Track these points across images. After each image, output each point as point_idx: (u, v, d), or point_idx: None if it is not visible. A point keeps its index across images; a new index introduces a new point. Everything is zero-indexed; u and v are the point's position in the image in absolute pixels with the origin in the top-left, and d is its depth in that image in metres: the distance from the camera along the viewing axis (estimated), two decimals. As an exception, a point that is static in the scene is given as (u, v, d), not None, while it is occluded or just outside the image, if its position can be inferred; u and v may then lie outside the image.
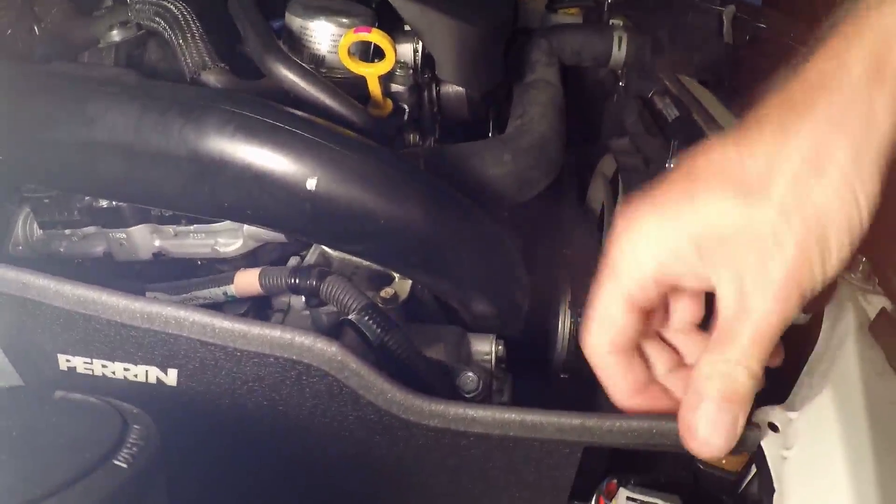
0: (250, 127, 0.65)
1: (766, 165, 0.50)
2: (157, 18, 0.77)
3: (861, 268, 0.71)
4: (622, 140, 1.09)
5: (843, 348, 0.63)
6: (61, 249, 0.83)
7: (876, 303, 0.67)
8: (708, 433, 0.52)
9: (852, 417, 0.56)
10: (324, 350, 0.59)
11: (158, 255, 0.81)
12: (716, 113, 0.92)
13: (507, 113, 0.93)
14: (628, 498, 0.61)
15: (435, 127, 0.90)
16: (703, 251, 0.51)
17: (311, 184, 0.64)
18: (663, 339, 0.62)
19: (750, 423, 0.59)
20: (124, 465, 0.49)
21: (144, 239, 0.81)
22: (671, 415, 0.56)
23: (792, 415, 0.60)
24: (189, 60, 0.75)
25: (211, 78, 0.75)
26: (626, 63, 1.09)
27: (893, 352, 0.61)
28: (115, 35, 0.78)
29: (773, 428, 0.59)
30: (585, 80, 1.15)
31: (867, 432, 0.54)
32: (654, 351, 0.61)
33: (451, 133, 0.94)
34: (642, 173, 0.96)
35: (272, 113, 0.66)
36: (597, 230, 0.97)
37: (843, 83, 0.50)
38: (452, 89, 0.89)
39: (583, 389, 0.75)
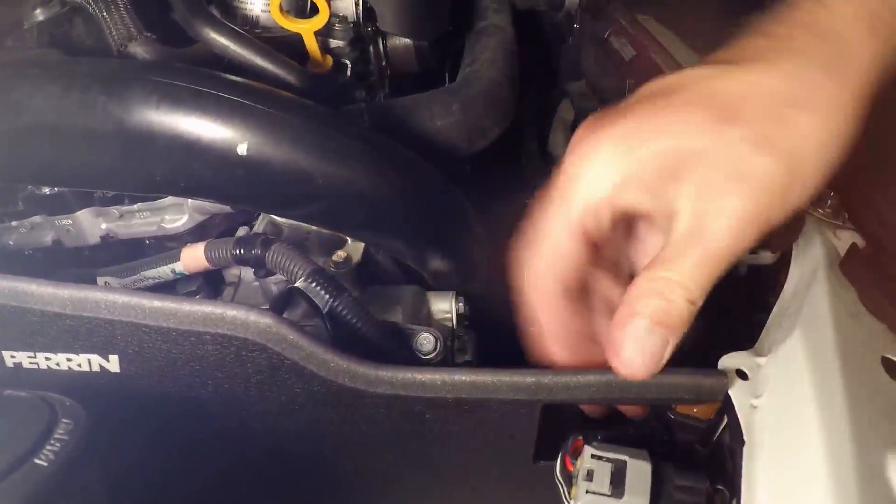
0: (174, 95, 0.62)
1: (746, 91, 0.48)
2: (78, -8, 0.74)
3: (829, 202, 0.68)
4: (579, 83, 1.05)
5: (813, 288, 0.60)
6: (10, 242, 0.80)
7: (846, 238, 0.65)
8: (633, 354, 0.48)
9: (823, 362, 0.53)
10: (258, 322, 0.57)
11: (106, 238, 0.79)
12: (675, 51, 0.88)
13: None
14: (593, 455, 0.58)
15: (384, 81, 0.86)
16: (665, 170, 0.48)
17: (241, 149, 0.61)
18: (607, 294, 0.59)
19: (716, 371, 0.56)
20: (44, 464, 0.48)
21: (90, 223, 0.78)
22: None
23: (761, 360, 0.57)
24: (114, 33, 0.72)
25: (138, 49, 0.72)
26: (581, 4, 1.05)
27: (866, 290, 0.59)
28: (39, 14, 0.75)
29: (742, 375, 0.56)
30: (542, 23, 1.12)
31: (839, 377, 0.51)
32: (599, 304, 0.57)
33: (405, 86, 0.90)
34: (600, 116, 0.93)
35: (197, 79, 0.63)
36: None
37: (832, 26, 0.50)
38: (399, 41, 0.85)
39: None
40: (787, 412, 0.52)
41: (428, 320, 0.75)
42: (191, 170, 0.63)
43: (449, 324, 0.75)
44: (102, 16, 0.73)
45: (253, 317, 0.57)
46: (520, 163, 0.96)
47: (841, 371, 0.52)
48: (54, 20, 0.75)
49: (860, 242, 0.64)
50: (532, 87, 0.93)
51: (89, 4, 0.73)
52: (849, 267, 0.61)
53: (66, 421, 0.52)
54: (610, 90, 0.95)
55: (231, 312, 0.57)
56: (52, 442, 0.49)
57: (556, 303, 0.54)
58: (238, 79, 0.65)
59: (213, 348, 0.59)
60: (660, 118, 0.49)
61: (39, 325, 0.60)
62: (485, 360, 0.76)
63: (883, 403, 0.51)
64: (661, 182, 0.48)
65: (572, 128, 0.97)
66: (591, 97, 0.99)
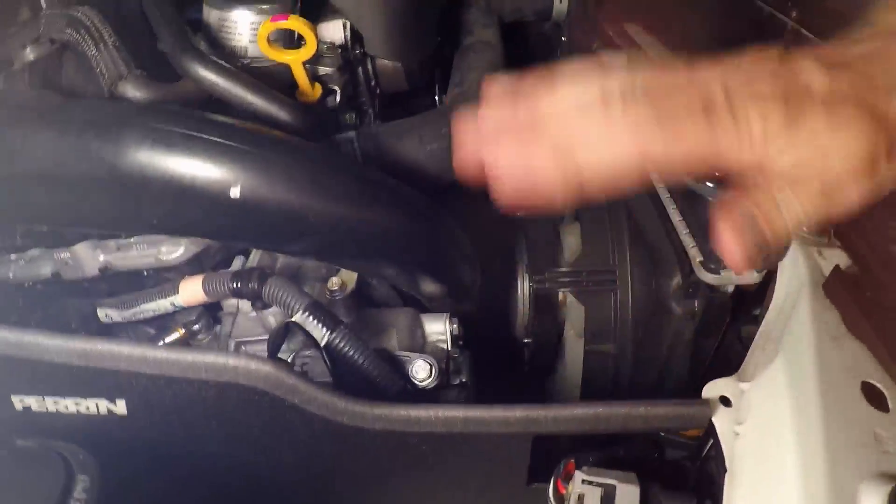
0: (167, 140, 0.63)
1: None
2: (68, 30, 0.74)
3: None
4: None
5: (796, 311, 0.60)
6: (10, 275, 0.81)
7: (831, 258, 0.64)
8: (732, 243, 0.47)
9: (803, 388, 0.54)
10: (259, 370, 0.59)
11: (105, 270, 0.80)
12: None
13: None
14: (583, 480, 0.60)
15: (374, 102, 0.87)
16: None
17: (234, 192, 0.62)
18: None
19: (700, 400, 0.57)
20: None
21: (88, 255, 0.79)
22: (615, 402, 0.55)
23: (744, 386, 0.58)
24: (105, 71, 0.72)
25: (128, 88, 0.72)
26: (569, 15, 1.05)
27: (849, 313, 0.59)
28: (29, 53, 0.75)
29: (725, 402, 0.57)
30: (529, 35, 1.11)
31: (818, 405, 0.52)
32: None
33: (396, 103, 0.91)
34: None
35: (188, 123, 0.64)
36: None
37: None
38: (389, 62, 0.86)
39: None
40: (767, 440, 0.53)
41: (423, 343, 0.76)
42: (185, 212, 0.65)
43: (443, 345, 0.76)
44: (92, 54, 0.73)
45: (253, 365, 0.58)
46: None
47: (820, 399, 0.52)
48: (45, 60, 0.76)
49: (844, 263, 0.64)
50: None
51: (79, 43, 0.74)
52: (832, 289, 0.61)
53: (83, 478, 0.54)
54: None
55: (233, 362, 0.58)
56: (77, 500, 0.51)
57: None
58: (229, 120, 0.66)
59: (216, 393, 0.60)
60: None
61: (47, 372, 0.62)
62: (479, 376, 0.77)
63: (859, 432, 0.52)
64: None
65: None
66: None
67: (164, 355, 0.59)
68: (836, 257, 0.65)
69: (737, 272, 0.51)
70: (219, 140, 0.63)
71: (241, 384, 0.59)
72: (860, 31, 0.51)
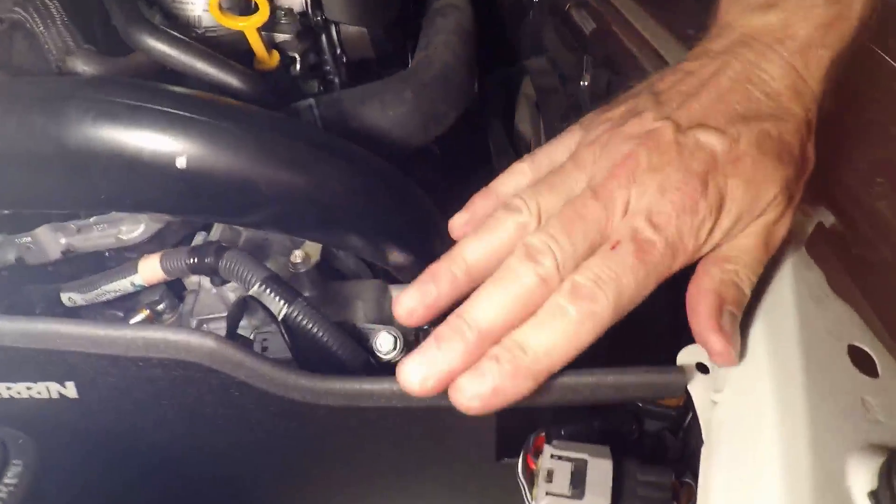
0: (110, 112, 0.61)
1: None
2: (16, 8, 0.72)
3: None
4: (539, 59, 1.01)
5: (777, 271, 0.57)
6: (-27, 262, 0.80)
7: (814, 216, 0.61)
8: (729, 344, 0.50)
9: (785, 353, 0.50)
10: (201, 345, 0.56)
11: (67, 253, 0.78)
12: (637, 23, 0.84)
13: (423, 43, 0.87)
14: (552, 455, 0.57)
15: (340, 70, 0.84)
16: None
17: (180, 162, 0.60)
18: None
19: (675, 367, 0.54)
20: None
21: (49, 239, 0.77)
22: (581, 370, 0.52)
23: None
24: (52, 47, 0.70)
25: (77, 63, 0.70)
26: (541, -25, 1.01)
27: (834, 273, 0.56)
28: (-23, 33, 0.73)
29: (703, 369, 0.53)
30: (502, -4, 1.08)
31: (801, 370, 0.49)
32: None
33: (365, 72, 0.88)
34: (559, 93, 0.89)
35: (131, 93, 0.62)
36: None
37: None
38: (353, 29, 0.83)
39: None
40: (746, 409, 0.50)
41: (391, 315, 0.73)
42: (133, 186, 0.62)
43: (413, 318, 0.73)
44: (40, 31, 0.71)
45: (195, 340, 0.56)
46: (486, 140, 0.93)
47: (803, 364, 0.49)
48: (-6, 38, 0.74)
49: (827, 220, 0.61)
50: (494, 65, 0.90)
51: (27, 20, 0.72)
52: (815, 247, 0.58)
53: (16, 462, 0.52)
54: (570, 65, 0.92)
55: (172, 337, 0.56)
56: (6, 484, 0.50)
57: None
58: (175, 88, 0.64)
59: (161, 371, 0.58)
60: None
61: (-1, 358, 0.60)
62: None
63: (846, 399, 0.48)
64: None
65: (536, 105, 0.94)
66: (552, 73, 0.95)
67: (103, 332, 0.57)
68: (819, 214, 0.61)
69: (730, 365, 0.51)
70: (162, 109, 0.61)
71: (184, 360, 0.57)
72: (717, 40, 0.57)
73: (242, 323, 0.72)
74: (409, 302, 0.49)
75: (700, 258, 0.51)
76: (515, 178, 0.59)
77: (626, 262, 0.47)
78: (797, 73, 0.54)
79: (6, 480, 0.51)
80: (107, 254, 0.79)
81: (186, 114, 0.61)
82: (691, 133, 0.51)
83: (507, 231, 0.51)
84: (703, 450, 0.51)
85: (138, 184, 0.62)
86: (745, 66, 0.54)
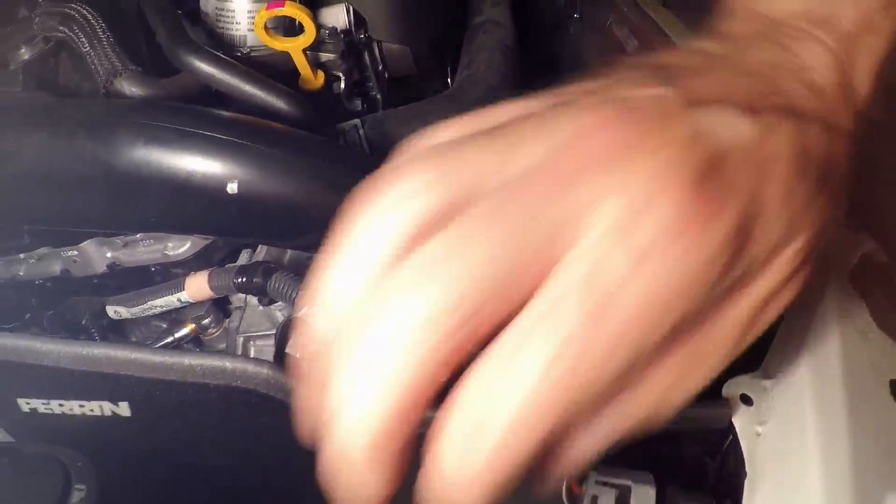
0: (161, 137, 0.62)
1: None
2: (61, 28, 0.73)
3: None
4: (579, 75, 1.01)
5: (821, 302, 0.56)
6: (21, 273, 0.81)
7: (858, 246, 0.60)
8: None
9: (828, 387, 0.50)
10: (257, 373, 0.57)
11: (113, 267, 0.79)
12: (680, 41, 0.84)
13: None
14: (597, 481, 0.58)
15: (382, 88, 0.85)
16: None
17: (231, 188, 0.61)
18: None
19: (719, 399, 0.55)
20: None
21: (95, 253, 0.78)
22: None
23: (767, 383, 0.54)
24: (100, 68, 0.71)
25: (125, 85, 0.71)
26: (582, -11, 1.01)
27: (876, 304, 0.55)
28: (24, 53, 0.74)
29: (746, 400, 0.54)
30: (542, 12, 1.08)
31: (843, 406, 0.49)
32: None
33: (405, 88, 0.89)
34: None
35: (183, 118, 0.63)
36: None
37: None
38: (395, 46, 0.83)
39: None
40: (790, 442, 0.50)
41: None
42: (183, 210, 0.64)
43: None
44: (86, 51, 0.72)
45: (251, 368, 0.57)
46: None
47: (845, 398, 0.49)
48: (40, 59, 0.75)
49: (872, 251, 0.61)
50: (534, 80, 0.90)
51: (73, 40, 0.73)
52: (859, 278, 0.58)
53: (80, 487, 0.54)
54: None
55: (230, 365, 0.57)
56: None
57: None
58: (225, 114, 0.65)
59: (218, 396, 0.59)
60: None
61: (52, 376, 0.62)
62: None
63: (887, 435, 0.49)
64: None
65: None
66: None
67: (161, 359, 0.58)
68: (864, 245, 0.61)
69: None
70: (214, 135, 0.62)
71: (241, 387, 0.58)
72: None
73: (286, 341, 0.73)
74: None
75: None
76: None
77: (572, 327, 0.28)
78: (843, 66, 0.39)
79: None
80: (152, 268, 0.80)
81: (239, 140, 0.62)
82: (705, 111, 0.32)
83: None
84: (747, 482, 0.52)
85: (188, 208, 0.63)
86: (779, 50, 0.38)
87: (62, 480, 0.53)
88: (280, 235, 0.67)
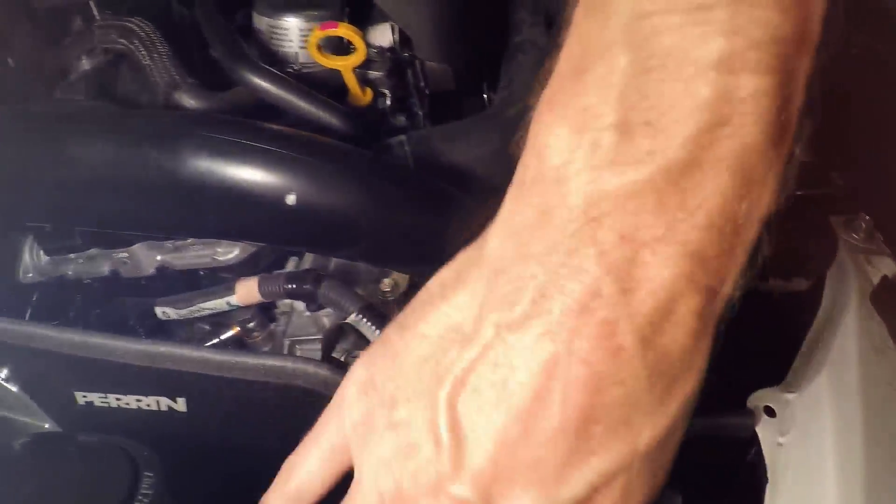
0: (224, 150, 0.65)
1: None
2: (121, 40, 0.76)
3: (863, 226, 0.67)
4: None
5: (843, 320, 0.60)
6: (69, 273, 0.84)
7: (879, 266, 0.64)
8: None
9: (846, 402, 0.54)
10: (316, 373, 0.61)
11: (162, 269, 0.82)
12: None
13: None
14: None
15: (424, 103, 0.88)
16: None
17: (290, 199, 0.65)
18: None
19: (743, 410, 0.58)
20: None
21: (145, 255, 0.81)
22: None
23: (790, 396, 0.58)
24: (159, 80, 0.74)
25: (184, 97, 0.74)
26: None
27: (894, 323, 0.58)
28: (85, 63, 0.77)
29: (769, 412, 0.57)
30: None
31: (860, 419, 0.52)
32: None
33: (443, 103, 0.92)
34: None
35: (243, 132, 0.67)
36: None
37: None
38: (437, 64, 0.87)
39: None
40: (809, 455, 0.54)
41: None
42: (243, 220, 0.68)
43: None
44: (145, 63, 0.75)
45: (311, 368, 0.61)
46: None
47: (863, 414, 0.53)
48: (100, 69, 0.78)
49: (893, 272, 0.64)
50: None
51: (133, 53, 0.76)
52: (879, 298, 0.61)
53: (148, 474, 0.56)
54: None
55: (291, 365, 0.61)
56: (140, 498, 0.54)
57: None
58: (283, 129, 0.68)
59: (275, 395, 0.63)
60: None
61: (111, 371, 0.65)
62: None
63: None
64: None
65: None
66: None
67: (225, 358, 0.62)
68: (885, 266, 0.64)
69: None
70: (275, 149, 0.65)
71: (299, 387, 0.61)
72: None
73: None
74: None
75: None
76: None
77: None
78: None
79: (143, 491, 0.54)
80: (201, 272, 0.83)
81: (298, 154, 0.65)
82: None
83: None
84: (768, 490, 0.55)
85: (247, 217, 0.67)
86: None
87: (131, 468, 0.55)
88: (330, 245, 0.70)
